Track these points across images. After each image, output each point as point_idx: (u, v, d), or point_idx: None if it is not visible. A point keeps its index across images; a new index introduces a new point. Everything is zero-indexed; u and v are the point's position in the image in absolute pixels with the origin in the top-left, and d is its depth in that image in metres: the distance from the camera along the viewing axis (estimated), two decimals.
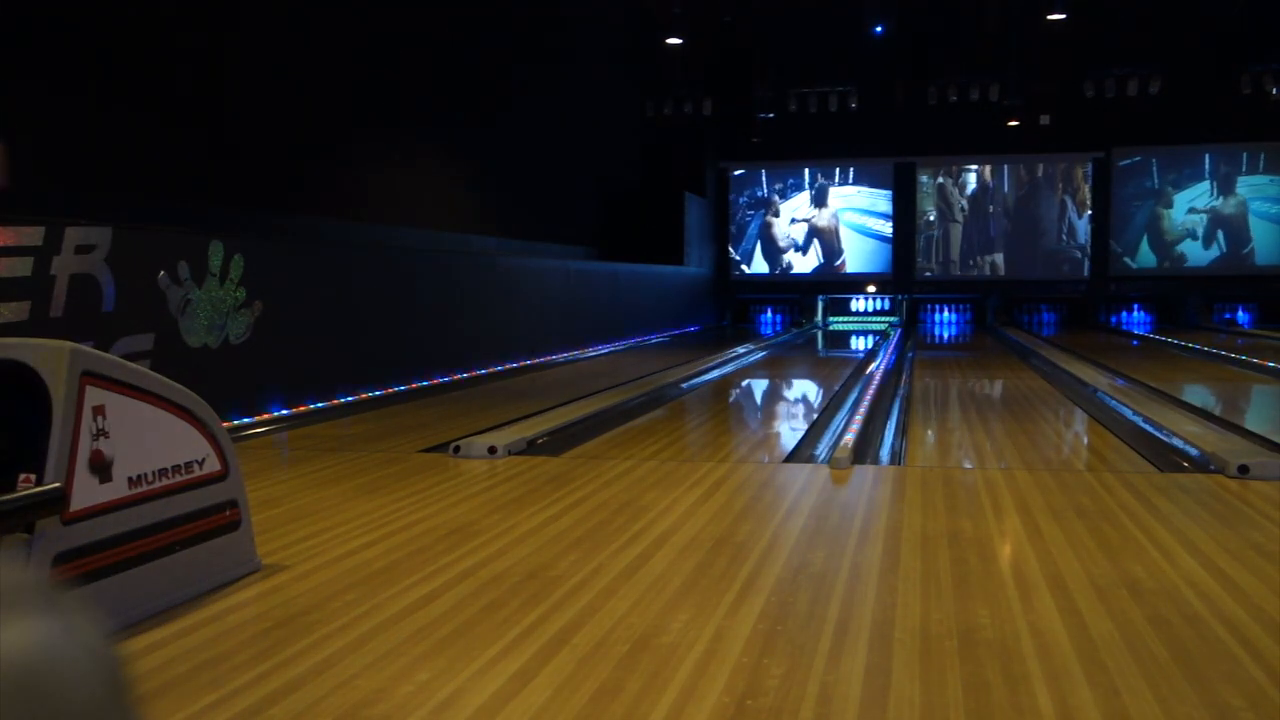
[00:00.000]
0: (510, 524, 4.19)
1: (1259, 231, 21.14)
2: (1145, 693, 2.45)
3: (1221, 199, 21.32)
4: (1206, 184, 21.37)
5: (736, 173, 22.50)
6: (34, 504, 2.71)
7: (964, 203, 22.09)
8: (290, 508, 4.53)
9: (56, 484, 2.77)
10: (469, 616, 3.05)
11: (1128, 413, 7.40)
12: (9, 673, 0.52)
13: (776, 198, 22.50)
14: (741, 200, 22.61)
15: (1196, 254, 21.36)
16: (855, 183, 22.24)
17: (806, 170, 22.31)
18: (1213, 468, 5.24)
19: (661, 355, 13.12)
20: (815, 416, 7.84)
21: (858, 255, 22.23)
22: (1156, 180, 21.48)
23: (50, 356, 2.88)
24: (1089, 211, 21.56)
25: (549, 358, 12.21)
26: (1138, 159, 21.46)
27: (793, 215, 22.48)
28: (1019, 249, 21.85)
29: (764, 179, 22.52)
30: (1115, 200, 21.49)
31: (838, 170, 22.23)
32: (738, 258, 22.56)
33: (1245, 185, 21.24)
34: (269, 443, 6.46)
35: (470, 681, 2.56)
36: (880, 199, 22.14)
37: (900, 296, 21.87)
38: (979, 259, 21.96)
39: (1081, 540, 3.88)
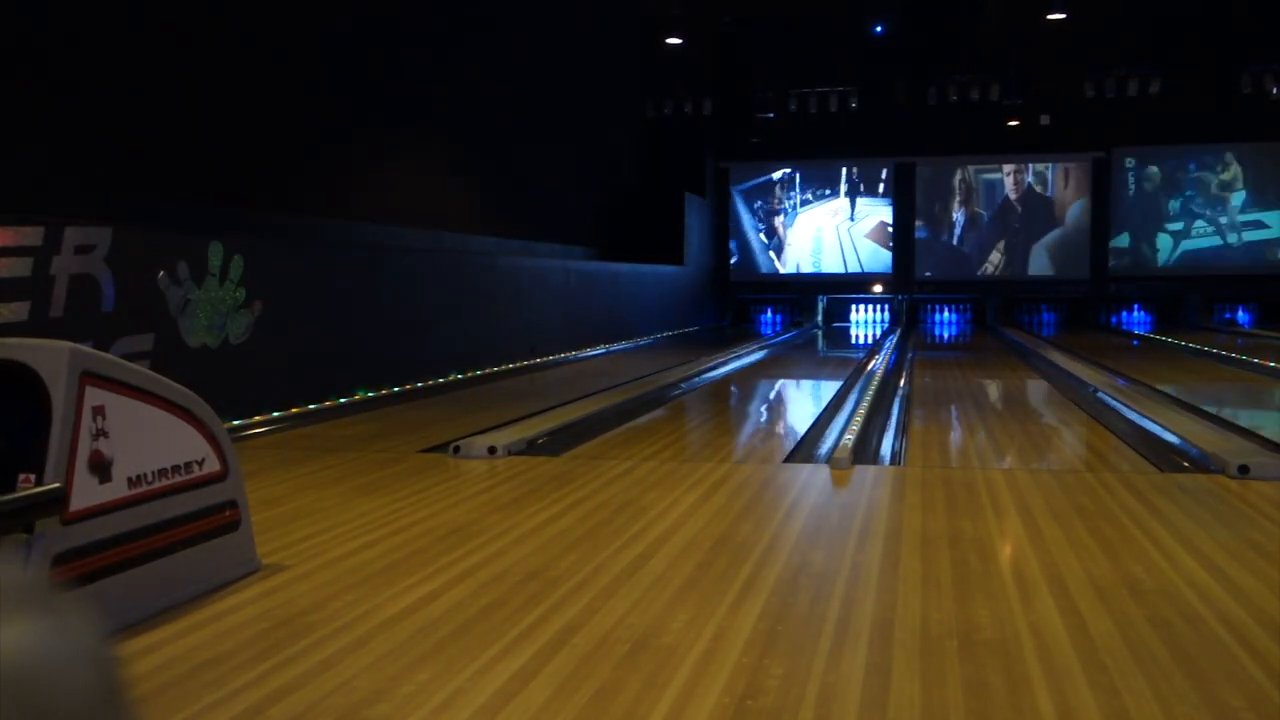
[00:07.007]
0: (510, 524, 4.19)
1: (1259, 232, 21.13)
2: (1145, 693, 2.45)
3: (1221, 199, 21.30)
4: (1205, 184, 21.35)
5: (736, 173, 22.50)
6: (34, 504, 2.71)
7: (964, 202, 22.08)
8: (290, 508, 4.53)
9: (56, 484, 2.76)
10: (469, 616, 3.05)
11: (1128, 413, 7.40)
12: (4, 673, 0.52)
13: (776, 197, 22.50)
14: (741, 199, 22.61)
15: (1197, 254, 21.35)
16: (856, 182, 22.24)
17: (804, 170, 22.31)
18: (1213, 468, 5.24)
19: (661, 355, 13.12)
20: (815, 416, 7.83)
21: (858, 255, 22.21)
22: (1156, 180, 21.48)
23: (50, 356, 2.88)
24: (1089, 211, 21.54)
25: (549, 358, 12.20)
26: (1137, 158, 21.45)
27: (793, 215, 22.47)
28: (1019, 249, 21.85)
29: (764, 178, 22.51)
30: (1115, 200, 21.48)
31: (838, 170, 22.23)
32: (738, 257, 22.56)
33: (1245, 185, 21.23)
34: (269, 443, 6.46)
35: (470, 681, 2.56)
36: (880, 200, 22.14)
37: (900, 296, 21.86)
38: (979, 259, 21.96)
39: (1082, 540, 3.88)
